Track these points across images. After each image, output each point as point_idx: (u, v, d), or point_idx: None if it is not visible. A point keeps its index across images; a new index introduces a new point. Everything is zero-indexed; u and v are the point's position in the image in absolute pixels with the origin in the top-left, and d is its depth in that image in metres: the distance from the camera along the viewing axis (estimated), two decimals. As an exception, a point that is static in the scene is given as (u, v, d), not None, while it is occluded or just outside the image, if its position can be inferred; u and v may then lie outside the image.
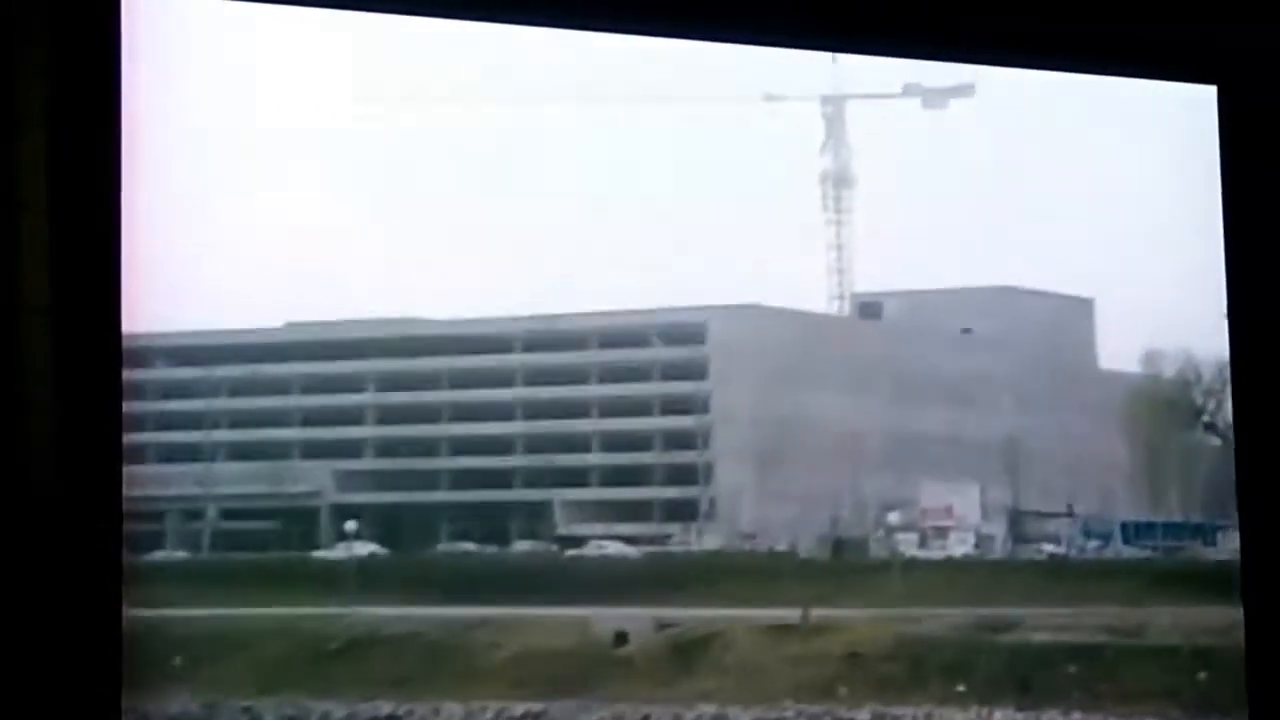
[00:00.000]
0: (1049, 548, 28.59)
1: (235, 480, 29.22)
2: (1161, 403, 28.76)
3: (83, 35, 2.74)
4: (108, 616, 2.55)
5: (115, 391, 2.69)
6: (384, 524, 29.11)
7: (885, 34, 3.44)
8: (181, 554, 27.84)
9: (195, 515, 28.67)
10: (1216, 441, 28.64)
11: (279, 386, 30.17)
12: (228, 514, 29.03)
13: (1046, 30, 3.45)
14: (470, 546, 29.13)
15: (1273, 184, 3.60)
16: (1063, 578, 26.59)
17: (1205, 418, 28.79)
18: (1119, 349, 29.14)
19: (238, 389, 29.81)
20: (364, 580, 26.76)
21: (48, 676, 2.49)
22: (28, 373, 2.62)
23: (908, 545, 27.67)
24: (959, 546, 28.05)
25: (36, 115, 2.71)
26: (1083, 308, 29.85)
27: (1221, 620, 23.04)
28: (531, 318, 29.02)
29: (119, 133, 2.79)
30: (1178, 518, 28.37)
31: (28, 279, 2.67)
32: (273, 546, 28.64)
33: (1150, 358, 28.79)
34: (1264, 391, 3.58)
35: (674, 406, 29.25)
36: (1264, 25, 3.47)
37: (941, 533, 28.17)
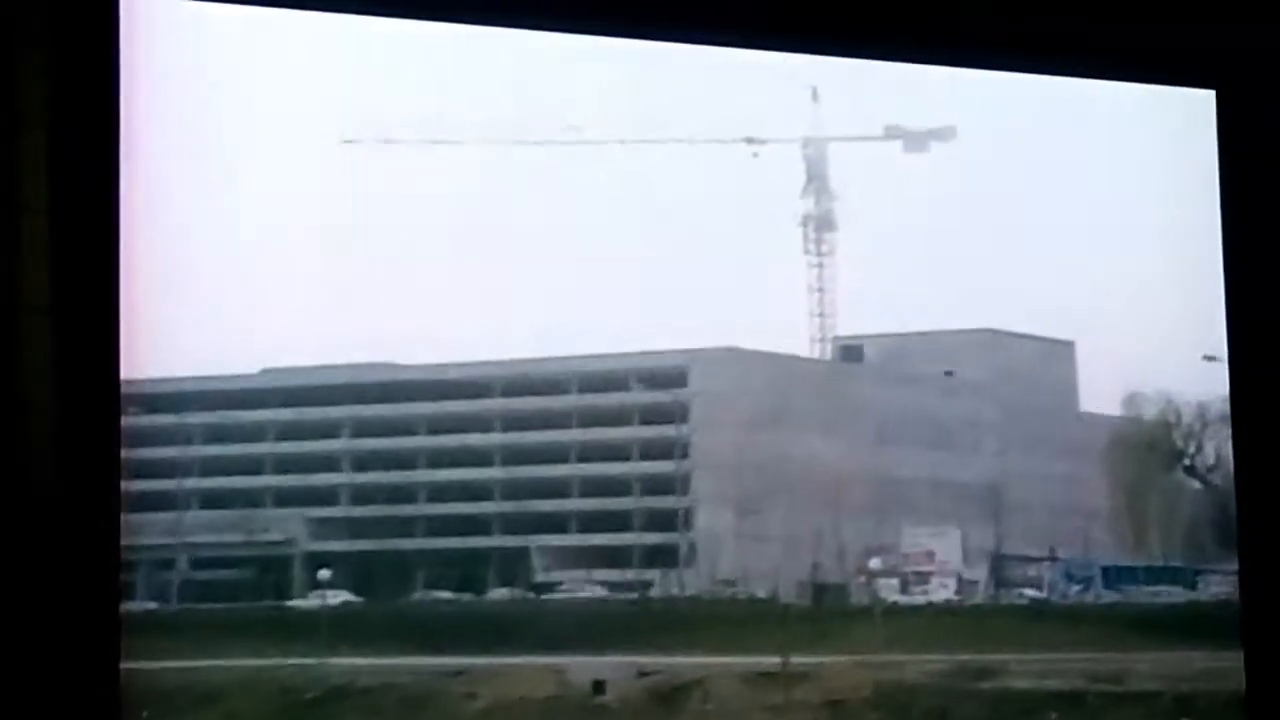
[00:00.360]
0: (1030, 592, 28.53)
1: (207, 529, 28.94)
2: (1142, 445, 28.85)
3: (82, 36, 2.65)
4: (107, 616, 2.48)
5: (114, 392, 2.60)
6: (358, 572, 28.86)
7: (882, 36, 3.37)
8: (151, 604, 27.51)
9: (165, 565, 28.36)
10: (1196, 485, 28.75)
11: (253, 433, 29.95)
12: (198, 563, 28.74)
13: (1044, 33, 3.40)
14: (447, 594, 28.88)
15: (1272, 189, 3.55)
16: (1045, 622, 26.51)
17: (1185, 461, 28.90)
18: (1100, 391, 29.23)
19: (211, 436, 29.57)
20: (338, 630, 26.48)
21: (46, 677, 2.41)
22: (28, 373, 2.51)
23: (889, 590, 27.55)
24: (940, 591, 27.96)
25: (37, 116, 2.62)
26: (1064, 350, 29.93)
27: (1201, 665, 23.02)
28: (510, 362, 28.91)
29: (118, 134, 2.70)
30: (1159, 562, 28.38)
31: (28, 279, 2.56)
32: (245, 596, 28.34)
33: (1131, 400, 28.91)
34: (1264, 402, 3.51)
35: (653, 451, 29.15)
36: (1264, 28, 3.41)
37: (923, 578, 28.08)
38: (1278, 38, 3.45)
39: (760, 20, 3.33)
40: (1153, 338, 27.25)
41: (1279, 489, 3.54)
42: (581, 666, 25.02)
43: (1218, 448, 27.66)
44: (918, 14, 3.31)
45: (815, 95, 28.44)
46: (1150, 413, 28.75)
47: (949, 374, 29.60)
